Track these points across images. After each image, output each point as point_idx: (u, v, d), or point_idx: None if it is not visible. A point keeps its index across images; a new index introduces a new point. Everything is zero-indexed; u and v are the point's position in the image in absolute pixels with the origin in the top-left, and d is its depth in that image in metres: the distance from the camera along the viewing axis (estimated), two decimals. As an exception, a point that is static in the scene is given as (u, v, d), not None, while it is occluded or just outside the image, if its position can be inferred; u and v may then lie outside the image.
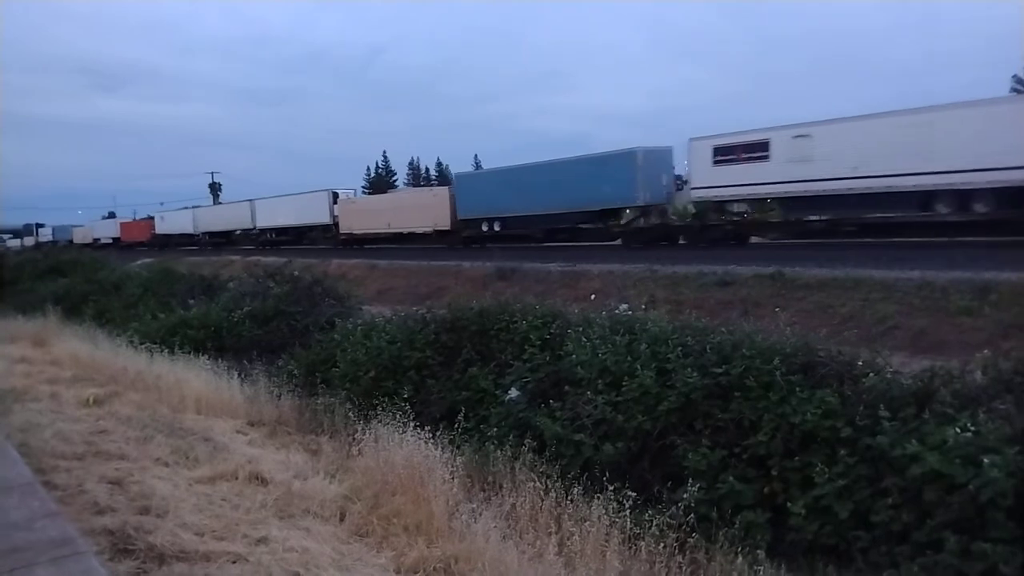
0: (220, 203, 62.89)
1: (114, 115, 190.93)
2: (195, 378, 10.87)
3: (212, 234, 63.87)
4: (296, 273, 17.21)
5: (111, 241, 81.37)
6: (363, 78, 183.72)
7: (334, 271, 29.75)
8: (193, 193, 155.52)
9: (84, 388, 10.38)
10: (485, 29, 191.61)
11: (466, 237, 39.13)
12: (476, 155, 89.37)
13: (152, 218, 77.23)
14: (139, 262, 36.92)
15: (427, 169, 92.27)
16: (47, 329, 16.75)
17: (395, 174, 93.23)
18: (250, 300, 15.77)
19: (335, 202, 48.70)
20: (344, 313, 14.67)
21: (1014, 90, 46.50)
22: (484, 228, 37.84)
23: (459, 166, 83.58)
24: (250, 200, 57.78)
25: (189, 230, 66.83)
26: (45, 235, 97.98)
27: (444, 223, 39.57)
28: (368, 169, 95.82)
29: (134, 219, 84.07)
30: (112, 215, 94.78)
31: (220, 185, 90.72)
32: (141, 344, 13.73)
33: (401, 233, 42.26)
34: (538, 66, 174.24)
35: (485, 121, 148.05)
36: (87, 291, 24.59)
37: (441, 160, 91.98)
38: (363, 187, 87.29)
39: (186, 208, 69.38)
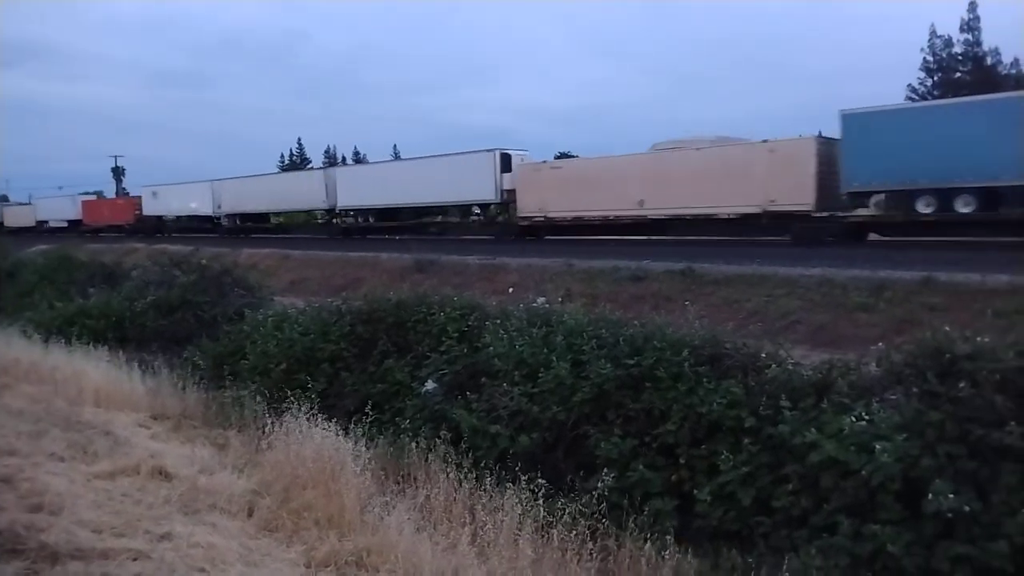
0: (262, 174, 47.05)
1: (9, 92, 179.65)
2: (94, 370, 10.40)
3: (245, 216, 48.26)
4: (204, 262, 16.64)
5: (66, 225, 63.51)
6: (280, 63, 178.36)
7: (244, 261, 28.89)
8: (95, 178, 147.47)
9: (-30, 381, 9.78)
10: (406, 19, 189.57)
11: (854, 225, 23.32)
12: (395, 145, 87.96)
13: (131, 195, 59.74)
14: (35, 248, 34.91)
15: (344, 158, 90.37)
16: (-71, 318, 15.68)
17: (310, 161, 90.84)
18: (154, 289, 15.18)
19: (506, 169, 32.01)
20: (254, 304, 14.29)
21: (909, 99, 49.20)
22: (920, 207, 21.26)
23: (377, 155, 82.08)
24: (323, 167, 43.80)
25: (204, 211, 50.05)
26: None
27: (797, 199, 22.82)
28: (282, 156, 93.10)
29: (118, 195, 65.01)
30: (5, 199, 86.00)
31: (124, 169, 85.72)
32: (35, 334, 13.03)
33: (662, 219, 25.96)
34: (459, 59, 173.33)
35: (404, 112, 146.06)
36: (-25, 279, 23.16)
37: (359, 149, 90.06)
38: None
39: (199, 181, 51.64)
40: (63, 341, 12.45)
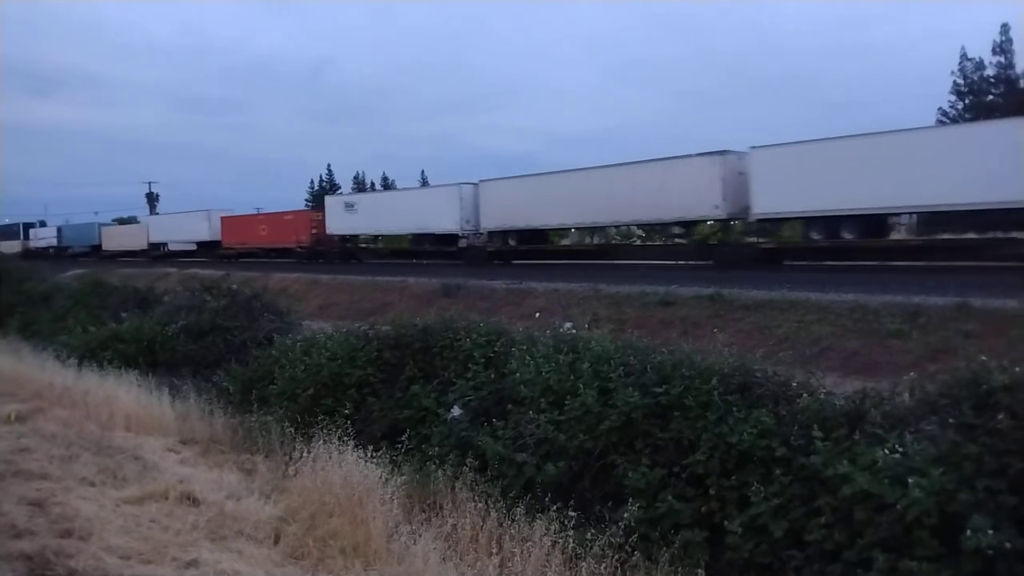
0: (571, 169, 31.41)
1: (48, 120, 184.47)
2: (125, 394, 10.52)
3: (525, 235, 33.73)
4: (234, 287, 16.83)
5: (194, 248, 52.62)
6: (308, 90, 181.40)
7: (275, 285, 29.23)
8: (129, 203, 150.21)
9: (5, 404, 9.93)
10: (434, 46, 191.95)
11: None
12: (423, 170, 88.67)
13: (309, 207, 46.58)
14: (70, 273, 35.58)
15: (372, 183, 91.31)
16: (-33, 342, 16.03)
17: (339, 187, 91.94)
18: (185, 314, 15.36)
19: None
20: (283, 328, 14.39)
21: (940, 122, 48.64)
22: None
23: (405, 181, 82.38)
24: (715, 152, 26.12)
25: (443, 227, 35.61)
26: (44, 238, 70.67)
27: None
28: (312, 182, 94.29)
29: (285, 211, 47.94)
30: (43, 223, 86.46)
31: (158, 195, 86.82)
32: (69, 358, 13.25)
33: None
34: (485, 84, 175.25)
35: (432, 137, 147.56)
36: (13, 302, 23.67)
37: (387, 174, 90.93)
38: (306, 200, 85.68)
39: (443, 184, 36.87)
40: (96, 365, 12.62)
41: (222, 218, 50.65)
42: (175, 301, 17.01)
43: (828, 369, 10.60)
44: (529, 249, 33.74)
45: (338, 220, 41.68)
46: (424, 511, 6.87)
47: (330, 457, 7.07)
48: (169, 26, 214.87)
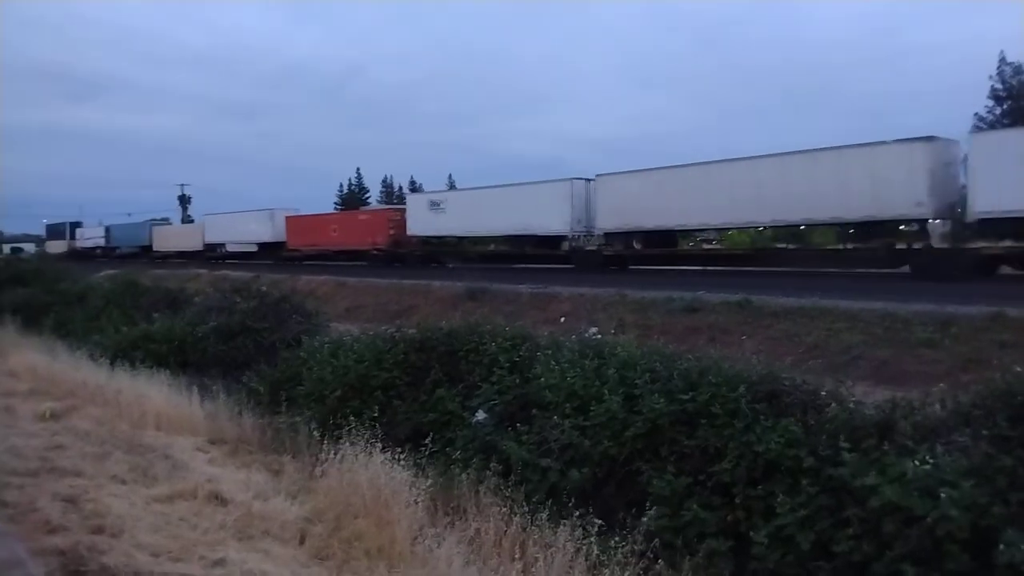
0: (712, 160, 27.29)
1: (85, 124, 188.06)
2: (156, 393, 10.68)
3: (651, 236, 29.76)
4: (263, 289, 17.02)
5: (255, 249, 48.83)
6: (338, 95, 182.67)
7: (303, 288, 29.50)
8: (161, 205, 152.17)
9: (41, 402, 10.17)
10: (463, 52, 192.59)
11: None
12: (451, 174, 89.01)
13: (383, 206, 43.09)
14: (103, 273, 36.19)
15: (400, 187, 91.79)
16: (3, 340, 16.41)
17: (368, 191, 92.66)
18: (215, 315, 15.55)
19: None
20: (311, 330, 14.51)
21: (976, 127, 47.79)
22: None
23: (432, 184, 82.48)
24: (916, 138, 21.90)
25: (550, 228, 32.05)
26: (91, 238, 69.81)
27: None
28: (341, 185, 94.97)
29: (355, 209, 45.79)
30: (79, 224, 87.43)
31: (190, 198, 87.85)
32: (102, 357, 13.49)
33: None
34: (513, 90, 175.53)
35: (459, 141, 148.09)
36: (48, 302, 24.12)
37: (415, 178, 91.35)
38: (335, 204, 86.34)
39: (548, 181, 32.44)
40: (128, 364, 12.83)
41: (287, 218, 46.96)
42: (206, 302, 17.23)
43: (858, 378, 10.44)
44: (656, 253, 29.65)
45: (421, 220, 37.70)
46: (448, 514, 6.88)
47: (356, 459, 7.12)
48: (201, 32, 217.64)
